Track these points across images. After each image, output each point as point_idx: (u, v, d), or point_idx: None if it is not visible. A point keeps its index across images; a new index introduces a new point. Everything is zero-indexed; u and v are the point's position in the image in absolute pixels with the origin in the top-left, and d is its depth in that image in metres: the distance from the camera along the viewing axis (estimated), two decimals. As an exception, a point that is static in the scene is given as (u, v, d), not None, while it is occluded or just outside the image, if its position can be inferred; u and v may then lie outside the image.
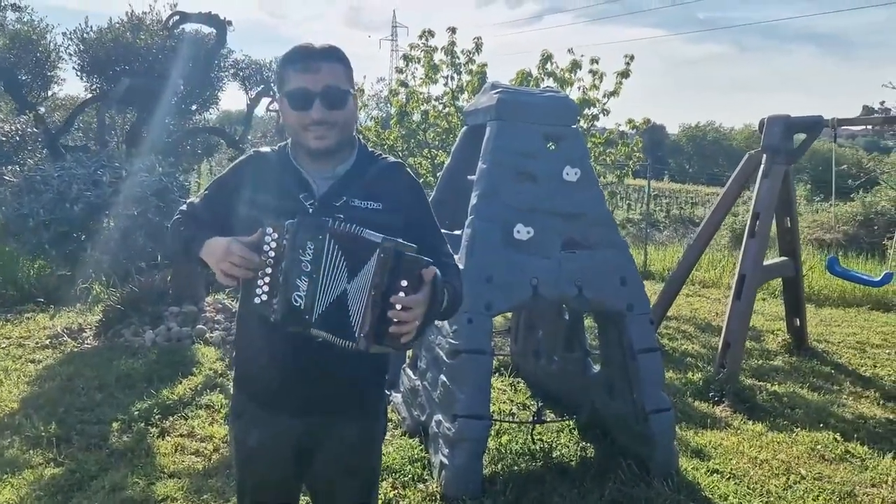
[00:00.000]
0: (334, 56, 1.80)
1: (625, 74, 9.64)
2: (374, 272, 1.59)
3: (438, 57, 10.11)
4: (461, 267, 4.02)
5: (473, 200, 4.19)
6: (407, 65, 10.33)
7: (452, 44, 9.96)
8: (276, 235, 1.68)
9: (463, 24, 10.11)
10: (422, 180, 11.12)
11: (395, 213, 1.82)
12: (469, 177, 5.04)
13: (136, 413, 4.61)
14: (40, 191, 4.83)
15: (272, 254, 1.69)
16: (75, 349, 6.15)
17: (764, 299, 9.47)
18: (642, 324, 4.11)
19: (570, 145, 4.31)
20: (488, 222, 4.09)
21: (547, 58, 9.65)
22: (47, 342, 6.33)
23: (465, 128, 4.95)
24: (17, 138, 5.71)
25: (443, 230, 4.87)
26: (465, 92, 10.16)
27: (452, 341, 3.86)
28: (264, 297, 1.70)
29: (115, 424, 4.45)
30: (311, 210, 1.78)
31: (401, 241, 1.60)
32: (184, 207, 2.02)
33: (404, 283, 1.58)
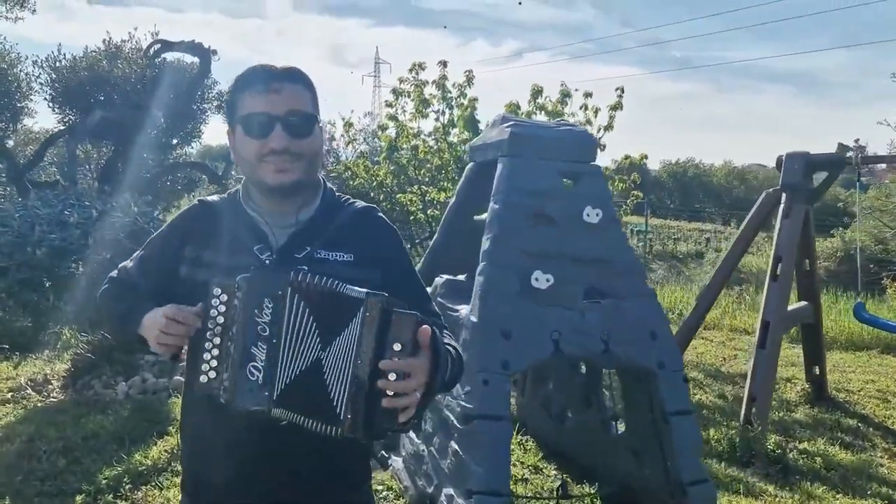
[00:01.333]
0: (298, 78, 1.56)
1: (617, 107, 9.39)
2: (358, 335, 1.32)
3: (429, 90, 9.84)
4: (473, 319, 3.59)
5: (485, 245, 3.78)
6: (397, 99, 10.01)
7: (444, 77, 9.68)
8: (226, 297, 1.41)
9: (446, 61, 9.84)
10: (412, 217, 10.78)
11: (370, 266, 1.56)
12: (476, 217, 4.64)
13: (104, 482, 4.10)
14: (-2, 232, 4.36)
15: (221, 319, 1.41)
16: (39, 403, 5.62)
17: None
18: (675, 383, 3.69)
19: (590, 183, 3.94)
20: (503, 269, 3.68)
21: (538, 91, 9.37)
22: (9, 396, 5.79)
23: (470, 164, 4.56)
24: (-19, 173, 5.24)
25: (446, 276, 4.45)
26: (456, 127, 9.87)
27: (465, 404, 3.41)
28: (212, 374, 1.42)
29: (78, 497, 3.93)
30: (267, 263, 1.50)
31: (386, 294, 1.34)
32: (114, 274, 1.74)
33: (397, 346, 1.31)
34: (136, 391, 5.79)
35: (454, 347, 1.56)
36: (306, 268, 1.43)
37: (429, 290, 4.51)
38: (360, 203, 1.69)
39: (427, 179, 10.35)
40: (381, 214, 1.71)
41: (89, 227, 4.29)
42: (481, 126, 9.38)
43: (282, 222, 1.57)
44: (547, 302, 3.67)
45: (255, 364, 1.37)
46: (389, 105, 10.08)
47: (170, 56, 6.71)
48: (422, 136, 10.08)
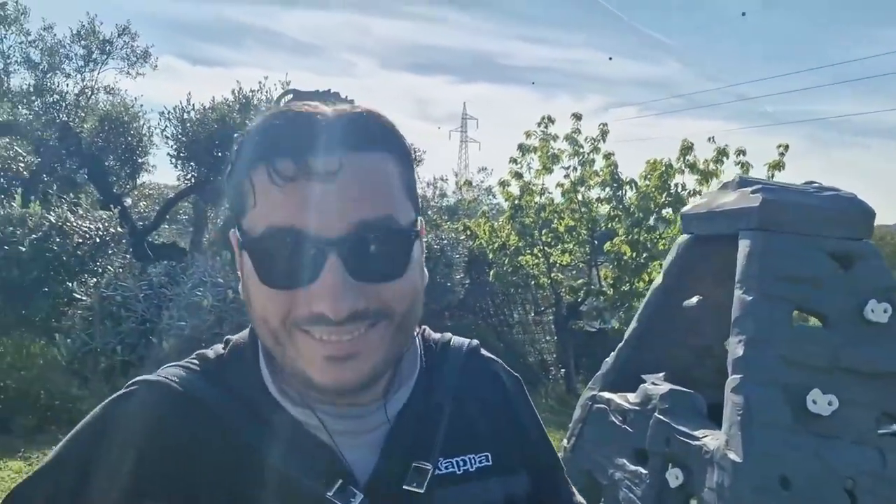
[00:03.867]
0: (376, 136, 0.74)
1: (778, 166, 8.28)
2: None
3: (558, 145, 9.05)
4: (735, 459, 2.62)
5: (738, 350, 2.82)
6: (523, 155, 9.26)
7: (577, 131, 8.87)
8: None
9: (530, 117, 9.20)
10: (533, 282, 9.88)
11: (515, 468, 0.88)
12: (685, 302, 3.70)
13: None
14: (119, 317, 3.69)
15: None
16: None
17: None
18: None
19: (870, 268, 2.98)
20: (767, 388, 2.70)
21: (688, 148, 8.40)
22: None
23: (683, 237, 3.63)
24: (98, 239, 4.73)
25: (644, 375, 3.50)
26: (587, 184, 9.02)
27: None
28: None
29: None
30: None
31: None
32: None
33: None
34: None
35: None
36: None
37: (636, 398, 3.56)
38: (456, 339, 0.96)
39: (550, 240, 9.49)
40: (501, 363, 1.00)
41: (223, 311, 3.59)
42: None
43: (356, 427, 0.80)
44: (830, 433, 2.68)
45: None
46: (514, 161, 9.33)
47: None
48: (547, 195, 9.27)
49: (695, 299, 3.73)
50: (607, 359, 3.88)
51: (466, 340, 0.97)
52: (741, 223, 3.07)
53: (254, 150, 0.72)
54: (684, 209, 3.67)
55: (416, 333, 0.89)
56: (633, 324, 3.81)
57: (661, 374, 3.60)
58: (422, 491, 0.77)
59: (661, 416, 3.11)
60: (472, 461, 0.85)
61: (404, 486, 0.77)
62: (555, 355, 10.21)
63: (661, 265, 4.65)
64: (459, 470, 0.83)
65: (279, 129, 0.71)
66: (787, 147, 8.25)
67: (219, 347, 0.85)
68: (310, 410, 0.78)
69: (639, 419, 3.25)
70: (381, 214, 0.71)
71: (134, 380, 0.82)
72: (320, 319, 0.70)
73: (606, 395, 3.60)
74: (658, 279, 3.72)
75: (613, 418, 3.48)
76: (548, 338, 10.73)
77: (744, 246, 2.99)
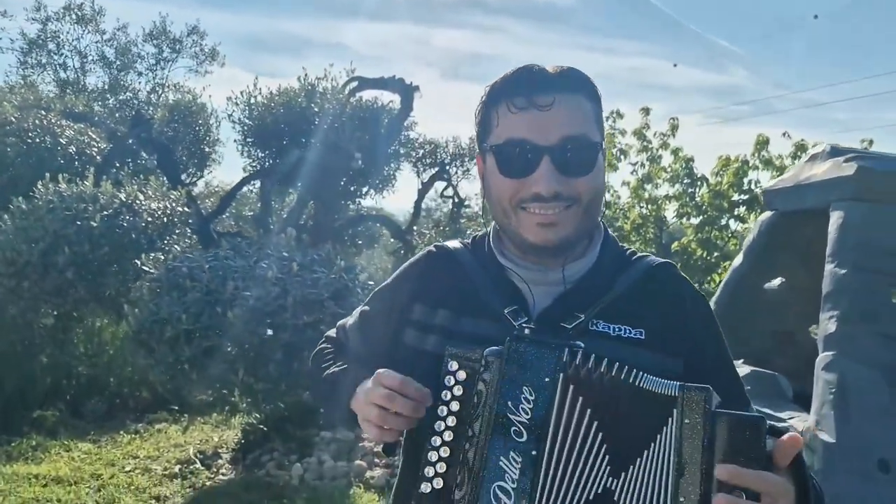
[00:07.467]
0: (578, 84, 1.13)
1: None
2: (674, 453, 0.90)
3: (626, 140, 8.85)
4: (827, 439, 2.42)
5: (830, 326, 2.62)
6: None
7: (646, 126, 8.65)
8: (464, 375, 1.01)
9: None
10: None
11: (669, 350, 1.11)
12: (767, 285, 3.49)
13: None
14: (185, 288, 3.72)
15: (455, 407, 1.01)
16: (208, 482, 5.00)
17: None
18: None
19: (978, 243, 2.70)
20: (864, 365, 2.49)
21: (763, 142, 8.09)
22: (177, 469, 5.23)
23: (766, 214, 3.43)
24: (165, 219, 4.79)
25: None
26: (654, 181, 8.77)
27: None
28: (437, 484, 0.99)
29: None
30: (526, 333, 1.06)
31: (709, 388, 0.92)
32: (332, 332, 1.44)
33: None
34: (312, 475, 5.04)
35: (815, 481, 1.02)
36: (582, 345, 1.01)
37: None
38: (655, 258, 1.24)
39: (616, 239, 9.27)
40: (687, 279, 1.25)
41: (288, 284, 3.58)
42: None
43: (544, 279, 1.18)
44: (935, 418, 2.45)
45: (504, 485, 0.95)
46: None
47: (366, 95, 6.24)
48: (613, 191, 9.06)
49: (777, 281, 3.52)
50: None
51: (662, 259, 1.24)
52: (833, 195, 2.87)
53: (497, 92, 1.13)
54: (767, 184, 3.46)
55: (600, 226, 1.23)
56: (713, 306, 3.62)
57: (740, 360, 3.41)
58: (572, 330, 1.09)
59: (743, 399, 2.92)
60: (627, 331, 1.12)
61: (562, 325, 1.10)
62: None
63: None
64: (613, 333, 1.12)
65: (515, 77, 1.12)
66: (871, 142, 7.89)
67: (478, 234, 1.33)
68: (513, 264, 1.19)
69: (717, 403, 3.08)
70: (578, 133, 1.09)
71: (432, 245, 1.35)
72: (536, 198, 1.09)
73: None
74: (738, 259, 3.53)
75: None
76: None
77: (836, 218, 2.79)
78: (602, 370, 0.97)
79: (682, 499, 0.90)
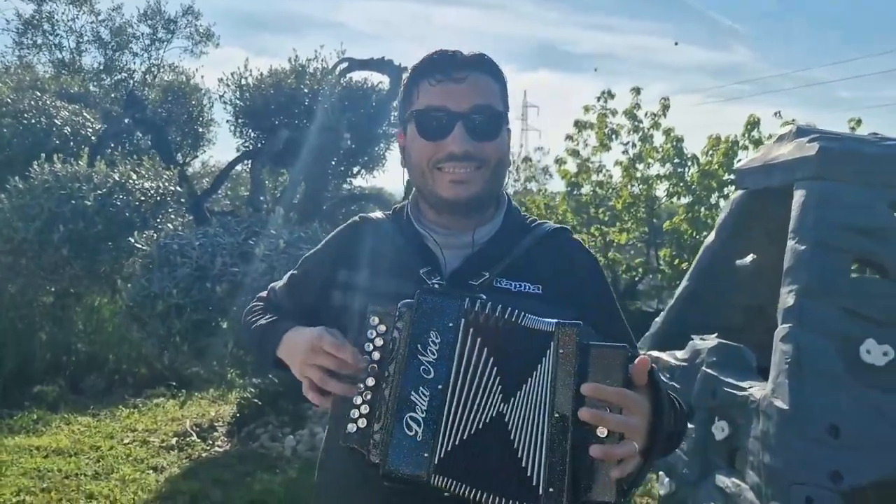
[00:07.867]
0: (486, 66, 1.32)
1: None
2: (551, 379, 1.08)
3: (617, 121, 8.90)
4: (781, 405, 2.55)
5: (789, 300, 2.74)
6: (579, 131, 9.15)
7: (636, 105, 8.70)
8: (384, 327, 1.16)
9: (592, 104, 9.09)
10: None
11: (563, 303, 1.25)
12: (738, 261, 3.61)
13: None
14: (176, 264, 3.85)
15: (376, 355, 1.15)
16: (204, 453, 5.15)
17: None
18: None
19: (935, 220, 2.82)
20: (820, 336, 2.62)
21: (754, 123, 8.14)
22: (174, 441, 5.37)
23: (738, 193, 3.54)
24: (158, 198, 4.90)
25: (702, 337, 3.42)
26: (645, 161, 8.83)
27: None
28: (361, 423, 1.13)
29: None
30: (434, 287, 1.24)
31: (580, 323, 1.11)
32: (263, 294, 1.58)
33: None
34: (304, 447, 5.18)
35: (676, 398, 1.28)
36: (484, 296, 1.18)
37: (685, 354, 3.51)
38: (551, 224, 1.42)
39: (607, 219, 9.34)
40: (577, 238, 1.44)
41: (275, 261, 3.71)
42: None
43: (455, 242, 1.34)
44: (886, 385, 2.58)
45: (415, 415, 1.11)
46: (570, 138, 9.24)
47: (356, 76, 6.32)
48: (605, 171, 9.13)
49: (749, 258, 3.64)
50: (657, 318, 3.82)
51: (558, 225, 1.42)
52: (797, 174, 2.98)
53: (419, 71, 1.30)
54: (738, 164, 3.57)
55: (504, 195, 1.40)
56: (684, 282, 3.75)
57: (714, 335, 3.53)
58: (478, 286, 1.24)
59: (709, 370, 3.06)
60: (527, 287, 1.28)
61: (470, 282, 1.25)
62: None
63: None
64: (514, 289, 1.28)
65: (437, 57, 1.29)
66: (859, 121, 7.92)
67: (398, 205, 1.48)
68: (428, 231, 1.34)
69: (686, 375, 3.20)
70: (487, 103, 1.28)
71: (354, 217, 1.51)
72: (450, 157, 1.25)
73: (654, 353, 3.55)
74: (710, 236, 3.65)
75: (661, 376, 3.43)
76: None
77: (798, 196, 2.91)
78: (497, 315, 1.14)
79: (556, 414, 1.07)
